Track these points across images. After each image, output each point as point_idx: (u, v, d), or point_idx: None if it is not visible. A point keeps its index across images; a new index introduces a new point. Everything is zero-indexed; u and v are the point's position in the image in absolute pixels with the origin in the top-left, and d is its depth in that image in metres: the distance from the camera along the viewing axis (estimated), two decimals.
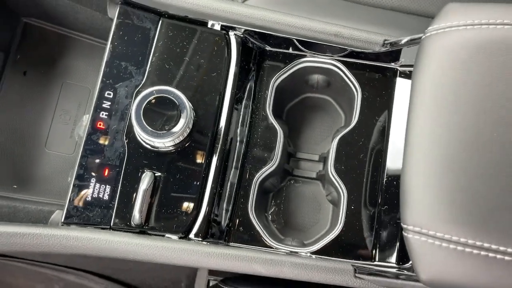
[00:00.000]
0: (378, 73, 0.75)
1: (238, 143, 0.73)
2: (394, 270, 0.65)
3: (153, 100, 0.64)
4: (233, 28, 0.72)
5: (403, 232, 0.53)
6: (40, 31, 0.84)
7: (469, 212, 0.50)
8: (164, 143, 0.65)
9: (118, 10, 0.71)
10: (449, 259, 0.49)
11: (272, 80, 0.75)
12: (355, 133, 0.73)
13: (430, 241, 0.50)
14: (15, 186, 0.79)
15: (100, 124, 0.67)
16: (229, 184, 0.71)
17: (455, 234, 0.49)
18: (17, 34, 0.82)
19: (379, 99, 0.74)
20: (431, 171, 0.52)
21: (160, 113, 0.63)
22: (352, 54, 0.74)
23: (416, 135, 0.54)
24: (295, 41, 0.74)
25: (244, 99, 0.74)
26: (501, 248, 0.48)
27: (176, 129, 0.63)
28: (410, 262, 0.65)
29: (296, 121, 0.82)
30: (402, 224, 0.53)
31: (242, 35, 0.73)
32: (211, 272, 0.93)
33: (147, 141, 0.65)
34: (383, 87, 0.74)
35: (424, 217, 0.51)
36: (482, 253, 0.48)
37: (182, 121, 0.63)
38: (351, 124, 0.74)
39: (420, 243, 0.50)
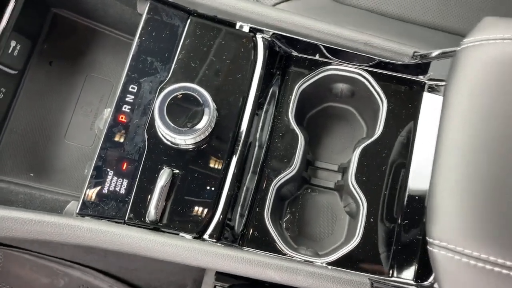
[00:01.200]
0: (405, 85, 0.73)
1: (257, 148, 0.72)
2: (411, 287, 0.63)
3: (178, 97, 0.63)
4: (261, 31, 0.72)
5: (428, 247, 0.51)
6: (69, 22, 0.84)
7: (500, 231, 0.48)
8: (185, 140, 0.64)
9: (148, 6, 0.71)
10: (477, 278, 0.47)
11: (297, 86, 0.74)
12: (378, 144, 0.71)
13: (457, 257, 0.48)
14: (32, 174, 0.79)
15: (122, 118, 0.67)
16: (245, 188, 0.70)
17: (484, 252, 0.47)
18: (46, 24, 0.82)
19: (404, 112, 0.72)
20: (461, 187, 0.50)
21: (183, 110, 0.63)
22: (380, 65, 0.73)
23: (447, 148, 0.53)
24: (322, 47, 0.73)
25: (266, 103, 0.73)
26: None
27: (198, 126, 0.63)
28: (429, 280, 0.63)
29: (317, 129, 0.81)
30: (427, 238, 0.51)
31: (269, 38, 0.73)
32: (218, 278, 0.92)
33: (168, 137, 0.65)
34: (409, 100, 0.72)
35: (452, 232, 0.49)
36: None
37: (205, 119, 0.63)
38: (374, 135, 0.72)
39: (446, 258, 0.49)
